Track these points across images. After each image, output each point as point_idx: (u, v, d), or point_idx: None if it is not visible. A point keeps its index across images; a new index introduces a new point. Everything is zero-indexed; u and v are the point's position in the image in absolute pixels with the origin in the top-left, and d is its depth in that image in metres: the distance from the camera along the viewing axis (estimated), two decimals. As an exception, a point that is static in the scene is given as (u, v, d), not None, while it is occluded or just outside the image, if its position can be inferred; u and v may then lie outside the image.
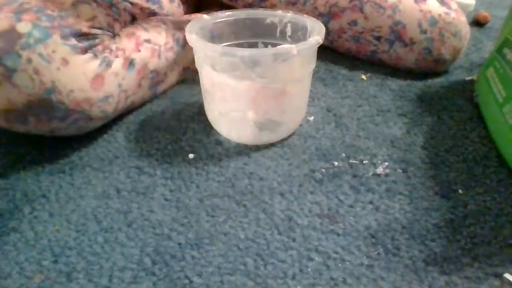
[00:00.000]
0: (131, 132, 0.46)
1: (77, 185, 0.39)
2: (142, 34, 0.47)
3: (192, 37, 0.40)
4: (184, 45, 0.52)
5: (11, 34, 0.36)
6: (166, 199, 0.38)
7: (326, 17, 0.59)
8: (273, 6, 0.59)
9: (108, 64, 0.41)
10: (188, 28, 0.42)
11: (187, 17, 0.57)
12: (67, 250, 0.33)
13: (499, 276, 0.31)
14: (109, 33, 0.42)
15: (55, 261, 0.32)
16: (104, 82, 0.41)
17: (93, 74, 0.40)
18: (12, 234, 0.34)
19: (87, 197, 0.38)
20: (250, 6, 0.60)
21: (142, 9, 0.49)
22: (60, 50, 0.37)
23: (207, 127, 0.47)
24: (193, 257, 0.32)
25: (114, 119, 0.48)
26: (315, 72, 0.58)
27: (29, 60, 0.36)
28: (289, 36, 0.47)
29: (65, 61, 0.38)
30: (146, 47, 0.47)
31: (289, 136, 0.46)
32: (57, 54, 0.37)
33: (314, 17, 0.59)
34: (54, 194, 0.38)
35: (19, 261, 0.32)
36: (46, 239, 0.34)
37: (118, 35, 0.44)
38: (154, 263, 0.32)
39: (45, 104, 0.37)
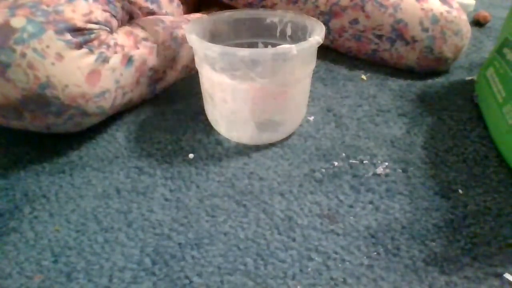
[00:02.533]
0: (131, 132, 0.46)
1: (77, 185, 0.39)
2: (140, 32, 0.47)
3: (192, 37, 0.40)
4: (182, 44, 0.52)
5: (5, 29, 0.36)
6: (166, 199, 0.38)
7: (327, 15, 0.59)
8: (273, 5, 0.59)
9: (105, 60, 0.41)
10: (187, 28, 0.42)
11: (186, 17, 0.57)
12: (67, 250, 0.33)
13: (499, 276, 0.31)
14: (106, 28, 0.42)
15: (55, 261, 0.32)
16: (100, 77, 0.41)
17: (88, 69, 0.40)
18: (12, 234, 0.34)
19: (87, 197, 0.38)
20: (250, 5, 0.60)
21: (140, 8, 0.49)
22: (55, 45, 0.37)
23: (207, 127, 0.47)
24: (193, 257, 0.32)
25: (114, 119, 0.48)
26: (315, 72, 0.58)
27: (23, 55, 0.36)
28: (289, 36, 0.47)
29: (59, 56, 0.38)
30: (145, 45, 0.47)
31: (289, 136, 0.46)
32: (51, 49, 0.37)
33: (315, 15, 0.59)
34: (54, 194, 0.38)
35: (19, 261, 0.32)
36: (46, 239, 0.34)
37: (116, 32, 0.44)
38: (154, 263, 0.32)
39: (40, 99, 0.37)
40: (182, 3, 0.59)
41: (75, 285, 0.30)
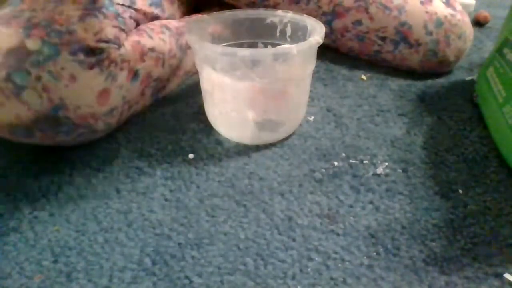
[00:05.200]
0: (131, 132, 0.46)
1: (77, 185, 0.39)
2: (147, 42, 0.46)
3: (192, 38, 0.40)
4: (186, 50, 0.52)
5: (21, 51, 0.35)
6: (166, 199, 0.38)
7: (330, 16, 0.58)
8: (276, 5, 0.59)
9: (114, 78, 0.41)
10: (188, 28, 0.42)
11: (187, 18, 0.57)
12: (67, 250, 0.33)
13: (499, 276, 0.31)
14: (115, 45, 0.42)
15: (55, 261, 0.32)
16: (110, 96, 0.41)
17: (99, 89, 0.39)
18: (12, 234, 0.34)
19: (87, 197, 0.38)
20: (252, 4, 0.60)
21: (145, 14, 0.49)
22: (69, 67, 0.37)
23: (207, 127, 0.47)
24: (193, 257, 0.32)
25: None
26: (315, 72, 0.58)
27: (39, 78, 0.35)
28: (289, 36, 0.47)
29: (73, 78, 0.37)
30: (151, 56, 0.46)
31: (289, 136, 0.46)
32: (65, 70, 0.37)
33: (317, 16, 0.59)
34: (54, 194, 0.38)
35: (19, 261, 0.32)
36: (46, 239, 0.34)
37: (123, 45, 0.44)
38: (154, 263, 0.32)
39: (52, 120, 0.37)
40: (182, 4, 0.59)
41: (75, 285, 0.30)
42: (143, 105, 0.48)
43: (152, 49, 0.47)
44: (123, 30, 0.43)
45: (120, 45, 0.43)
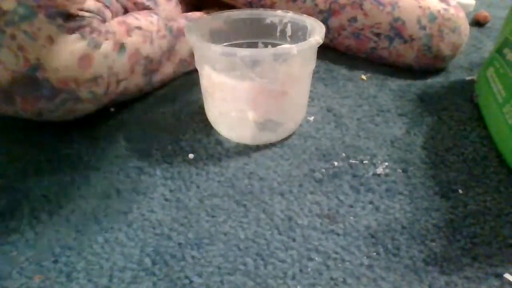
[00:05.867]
0: (131, 132, 0.46)
1: (77, 185, 0.39)
2: (133, 21, 0.47)
3: (192, 38, 0.40)
4: (178, 36, 0.52)
5: None
6: (166, 199, 0.38)
7: (326, 13, 0.59)
8: (273, 4, 0.59)
9: (97, 46, 0.41)
10: (188, 28, 0.42)
11: (184, 14, 0.57)
12: (67, 250, 0.33)
13: (499, 276, 0.31)
14: (98, 17, 0.42)
15: (55, 261, 0.32)
16: (92, 62, 0.41)
17: (80, 53, 0.39)
18: (12, 234, 0.34)
19: (87, 197, 0.38)
20: (250, 4, 0.60)
21: (135, 3, 0.49)
22: (46, 29, 0.37)
23: (207, 127, 0.47)
24: (193, 257, 0.32)
25: (114, 119, 0.48)
26: (315, 72, 0.58)
27: (13, 37, 0.36)
28: (289, 36, 0.47)
29: (50, 39, 0.37)
30: (137, 33, 0.46)
31: (289, 136, 0.46)
32: (42, 32, 0.37)
33: (314, 14, 0.59)
34: (54, 194, 0.38)
35: (19, 261, 0.32)
36: (46, 239, 0.34)
37: (109, 22, 0.44)
38: (154, 263, 0.32)
39: (30, 81, 0.37)
40: (180, 2, 0.59)
41: (75, 285, 0.30)
42: (136, 85, 0.48)
43: (138, 27, 0.47)
44: (107, 7, 0.43)
45: (104, 19, 0.43)
